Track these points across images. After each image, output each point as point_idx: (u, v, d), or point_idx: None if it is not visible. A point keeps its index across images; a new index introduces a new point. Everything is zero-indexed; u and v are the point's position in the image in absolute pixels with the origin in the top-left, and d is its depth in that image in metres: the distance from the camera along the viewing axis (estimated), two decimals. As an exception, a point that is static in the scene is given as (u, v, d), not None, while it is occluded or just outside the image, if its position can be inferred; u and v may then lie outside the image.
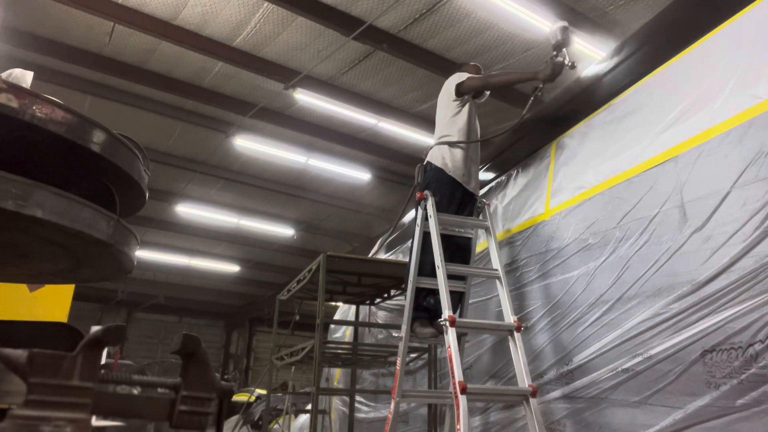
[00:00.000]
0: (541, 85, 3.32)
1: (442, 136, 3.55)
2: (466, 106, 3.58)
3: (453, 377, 2.57)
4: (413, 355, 4.55)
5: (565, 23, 3.23)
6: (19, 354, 0.91)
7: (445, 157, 3.47)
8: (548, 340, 3.06)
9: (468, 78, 3.55)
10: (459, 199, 3.47)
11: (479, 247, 3.76)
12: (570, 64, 3.16)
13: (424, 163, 3.56)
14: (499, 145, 4.46)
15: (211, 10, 6.57)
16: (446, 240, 3.26)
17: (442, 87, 3.73)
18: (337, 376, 6.40)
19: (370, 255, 6.52)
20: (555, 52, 3.22)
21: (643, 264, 2.56)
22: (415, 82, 7.89)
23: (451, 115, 3.57)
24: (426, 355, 4.43)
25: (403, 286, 3.62)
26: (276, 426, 7.58)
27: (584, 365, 2.76)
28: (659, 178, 2.60)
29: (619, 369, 2.55)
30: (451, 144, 3.49)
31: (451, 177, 3.44)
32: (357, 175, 10.29)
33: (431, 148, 3.61)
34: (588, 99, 3.45)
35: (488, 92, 3.84)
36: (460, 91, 3.54)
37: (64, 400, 0.91)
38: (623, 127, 2.98)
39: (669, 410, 2.33)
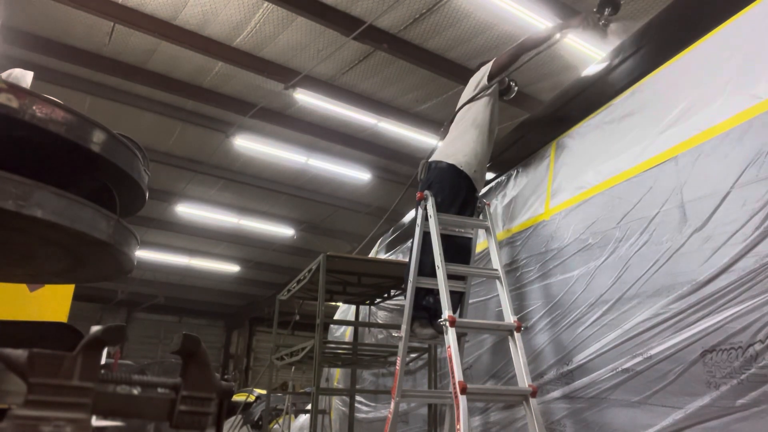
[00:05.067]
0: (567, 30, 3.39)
1: (460, 129, 3.53)
2: (492, 95, 3.57)
3: (453, 377, 2.57)
4: (413, 355, 4.55)
5: None
6: (19, 354, 0.91)
7: (457, 153, 3.42)
8: (548, 340, 3.06)
9: (497, 58, 3.56)
10: (463, 198, 3.43)
11: (479, 247, 3.76)
12: (604, 23, 3.16)
13: (430, 159, 3.52)
14: (499, 145, 4.45)
15: (211, 10, 6.57)
16: (447, 241, 3.25)
17: (467, 84, 3.71)
18: (337, 376, 6.40)
19: (369, 254, 6.52)
20: (595, 9, 3.23)
21: (643, 264, 2.56)
22: (415, 82, 7.90)
23: (474, 104, 3.55)
24: (426, 355, 4.43)
25: (403, 286, 3.62)
26: (276, 426, 7.58)
27: (584, 365, 2.76)
28: (659, 178, 2.60)
29: (619, 369, 2.55)
30: (468, 137, 3.47)
31: (459, 173, 3.38)
32: (357, 175, 10.30)
33: (439, 145, 3.58)
34: (588, 99, 3.45)
35: (516, 88, 3.87)
36: (493, 72, 3.54)
37: (64, 400, 0.91)
38: (623, 127, 2.98)
39: (669, 410, 2.33)
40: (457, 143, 3.47)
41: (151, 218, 12.25)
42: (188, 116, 8.89)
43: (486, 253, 3.60)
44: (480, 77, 3.61)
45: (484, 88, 3.56)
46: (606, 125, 3.15)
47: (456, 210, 3.38)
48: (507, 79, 3.78)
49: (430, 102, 8.26)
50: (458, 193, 3.41)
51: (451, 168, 3.39)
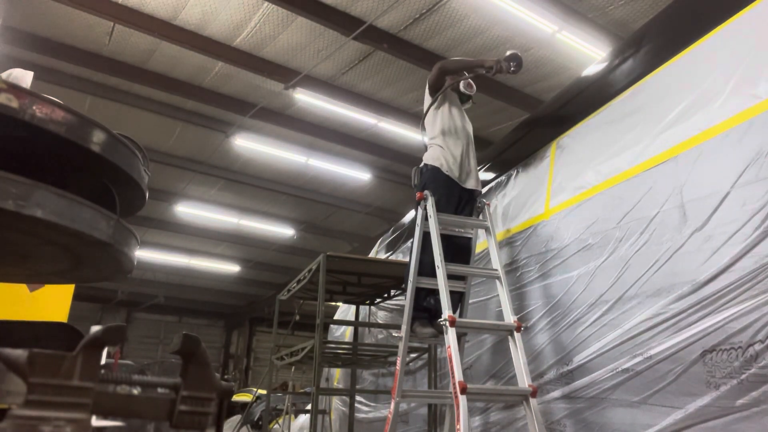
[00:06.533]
0: (483, 71, 3.53)
1: (431, 137, 3.63)
2: (445, 104, 3.66)
3: (453, 377, 2.57)
4: (413, 355, 4.55)
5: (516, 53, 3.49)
6: (19, 354, 0.91)
7: (439, 157, 3.49)
8: (548, 340, 3.06)
9: (429, 77, 3.68)
10: (457, 197, 3.47)
11: (479, 247, 3.76)
12: (513, 71, 3.46)
13: (421, 165, 3.58)
14: (499, 145, 4.46)
15: (211, 10, 6.57)
16: (447, 240, 3.27)
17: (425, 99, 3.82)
18: (337, 376, 6.40)
19: (370, 254, 6.52)
20: (506, 62, 3.45)
21: (643, 264, 2.56)
22: (415, 82, 7.89)
23: (432, 114, 3.66)
24: (426, 355, 4.43)
25: (403, 286, 3.62)
26: (276, 426, 7.58)
27: (584, 365, 2.76)
28: (659, 178, 2.60)
29: (619, 369, 2.55)
30: (441, 143, 3.54)
31: (447, 175, 3.45)
32: (357, 175, 10.29)
33: (426, 149, 3.65)
34: (588, 99, 3.45)
35: (472, 100, 3.92)
36: (430, 86, 3.66)
37: (64, 400, 0.91)
38: (623, 127, 2.98)
39: (669, 410, 2.33)
40: (435, 151, 3.55)
41: (151, 218, 12.24)
42: (188, 116, 8.89)
43: (486, 253, 3.60)
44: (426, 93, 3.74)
45: (432, 102, 3.66)
46: (606, 125, 3.15)
47: (452, 209, 3.41)
48: (463, 92, 3.85)
49: (430, 102, 8.25)
50: (452, 190, 3.46)
51: (438, 169, 3.47)
